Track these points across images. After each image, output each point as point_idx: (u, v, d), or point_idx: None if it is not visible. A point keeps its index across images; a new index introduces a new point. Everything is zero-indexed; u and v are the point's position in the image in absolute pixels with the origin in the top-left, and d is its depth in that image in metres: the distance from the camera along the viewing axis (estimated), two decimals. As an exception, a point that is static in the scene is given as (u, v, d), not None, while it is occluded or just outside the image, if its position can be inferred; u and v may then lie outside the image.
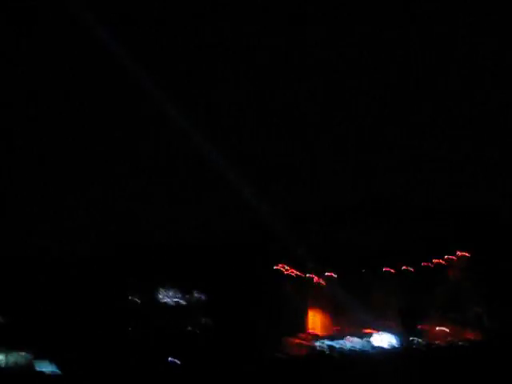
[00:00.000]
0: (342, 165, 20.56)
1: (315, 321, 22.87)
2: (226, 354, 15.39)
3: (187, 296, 19.35)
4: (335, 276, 22.41)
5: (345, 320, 20.42)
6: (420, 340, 18.42)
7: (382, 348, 17.57)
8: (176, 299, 19.62)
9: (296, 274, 22.06)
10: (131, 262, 18.69)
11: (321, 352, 18.40)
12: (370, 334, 19.58)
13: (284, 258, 21.04)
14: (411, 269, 23.36)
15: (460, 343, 17.19)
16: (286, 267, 21.36)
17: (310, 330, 23.09)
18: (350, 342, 18.27)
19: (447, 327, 20.33)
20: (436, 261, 23.04)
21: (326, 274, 22.18)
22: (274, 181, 19.77)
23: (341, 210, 21.85)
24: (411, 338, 18.91)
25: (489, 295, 20.83)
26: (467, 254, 23.46)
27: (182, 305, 19.45)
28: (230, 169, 17.55)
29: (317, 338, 20.77)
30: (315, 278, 22.44)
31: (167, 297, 18.88)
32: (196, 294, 19.29)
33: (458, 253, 22.46)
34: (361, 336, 19.51)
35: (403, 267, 22.84)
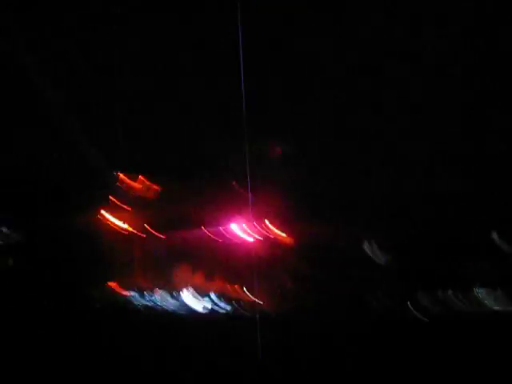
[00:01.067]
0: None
1: (133, 272, 22.50)
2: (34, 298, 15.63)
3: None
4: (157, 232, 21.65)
5: (160, 275, 20.12)
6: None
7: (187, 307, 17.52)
8: None
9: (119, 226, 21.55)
10: None
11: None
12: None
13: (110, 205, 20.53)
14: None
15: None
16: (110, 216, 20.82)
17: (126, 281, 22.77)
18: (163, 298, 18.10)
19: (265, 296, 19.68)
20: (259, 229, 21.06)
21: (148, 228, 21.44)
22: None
23: None
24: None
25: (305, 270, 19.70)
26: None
27: None
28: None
29: (130, 289, 20.70)
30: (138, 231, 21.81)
31: None
32: (12, 234, 19.72)
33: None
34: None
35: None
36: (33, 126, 15.29)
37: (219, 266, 18.15)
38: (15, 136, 15.54)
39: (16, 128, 15.39)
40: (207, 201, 16.26)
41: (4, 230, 18.55)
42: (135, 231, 18.46)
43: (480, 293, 11.92)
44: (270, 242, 15.38)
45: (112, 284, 18.55)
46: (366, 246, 13.15)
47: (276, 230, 15.66)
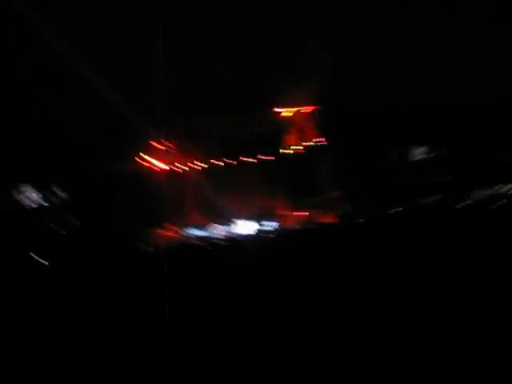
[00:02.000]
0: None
1: (182, 210, 23.34)
2: (92, 254, 16.43)
3: (48, 194, 20.58)
4: (199, 167, 22.30)
5: (209, 209, 20.75)
6: (275, 224, 19.42)
7: (240, 235, 18.23)
8: (36, 198, 21.14)
9: (160, 167, 22.34)
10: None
11: (187, 243, 19.18)
12: (232, 222, 20.28)
13: (148, 148, 21.19)
14: (271, 157, 22.59)
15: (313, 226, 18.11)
16: (150, 159, 21.57)
17: (177, 220, 23.72)
18: (216, 230, 18.92)
19: (305, 211, 20.57)
20: (295, 149, 21.66)
21: (190, 164, 22.27)
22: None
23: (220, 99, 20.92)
24: (267, 223, 19.73)
25: (346, 180, 20.67)
26: (324, 142, 22.35)
27: (45, 204, 20.85)
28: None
29: (182, 227, 21.48)
30: (180, 169, 22.63)
31: (27, 196, 20.15)
32: (58, 193, 20.14)
33: (316, 140, 21.34)
34: (223, 223, 20.14)
35: (263, 156, 22.20)
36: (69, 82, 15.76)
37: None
38: (44, 95, 16.08)
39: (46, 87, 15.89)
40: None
41: (53, 188, 19.45)
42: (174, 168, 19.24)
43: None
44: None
45: (164, 224, 19.41)
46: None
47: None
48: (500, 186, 15.84)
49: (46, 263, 14.24)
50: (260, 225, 18.20)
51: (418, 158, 18.52)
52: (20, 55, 14.55)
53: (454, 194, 15.07)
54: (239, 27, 15.03)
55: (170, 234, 19.42)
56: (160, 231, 19.16)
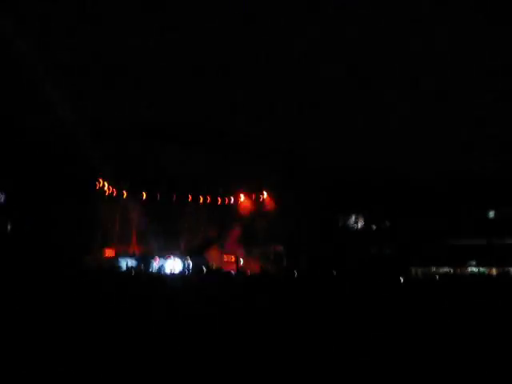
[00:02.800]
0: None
1: (122, 240, 22.99)
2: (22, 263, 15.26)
3: None
4: (146, 198, 22.01)
5: (151, 243, 20.53)
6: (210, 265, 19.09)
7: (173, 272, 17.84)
8: None
9: (109, 192, 21.94)
10: None
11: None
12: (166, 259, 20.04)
13: (98, 172, 20.72)
14: (219, 201, 22.65)
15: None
16: (102, 182, 21.18)
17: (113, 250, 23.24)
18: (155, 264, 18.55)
19: (250, 260, 20.38)
20: (246, 195, 21.79)
21: (139, 195, 21.91)
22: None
23: (157, 130, 20.49)
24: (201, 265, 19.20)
25: (291, 235, 20.64)
26: (268, 196, 22.58)
27: None
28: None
29: (120, 257, 21.16)
30: (127, 198, 22.26)
31: None
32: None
33: (264, 192, 21.59)
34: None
35: (214, 197, 22.23)
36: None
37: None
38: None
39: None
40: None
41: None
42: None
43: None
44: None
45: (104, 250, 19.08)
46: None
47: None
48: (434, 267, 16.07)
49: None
50: (189, 264, 18.14)
51: (362, 227, 18.72)
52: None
53: (391, 267, 15.21)
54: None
55: (100, 261, 19.16)
56: (93, 258, 18.81)
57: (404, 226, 16.42)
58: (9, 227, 17.49)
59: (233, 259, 19.45)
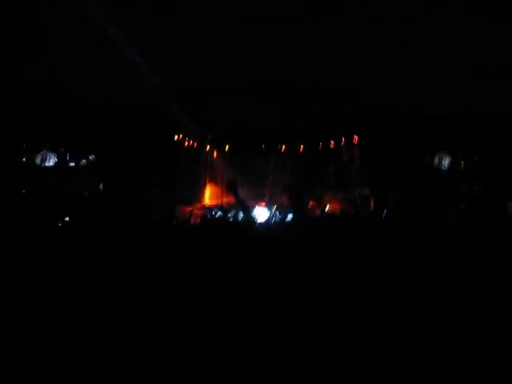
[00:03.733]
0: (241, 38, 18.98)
1: (211, 193, 23.94)
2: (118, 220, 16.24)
3: (79, 160, 21.08)
4: (232, 151, 22.55)
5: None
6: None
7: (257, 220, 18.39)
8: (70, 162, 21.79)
9: (193, 146, 22.76)
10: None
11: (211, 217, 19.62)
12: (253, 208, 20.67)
13: (182, 129, 21.65)
14: (306, 149, 22.82)
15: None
16: (185, 138, 22.02)
17: (205, 202, 24.40)
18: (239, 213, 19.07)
19: (335, 205, 20.85)
20: (327, 143, 21.70)
21: (224, 148, 22.63)
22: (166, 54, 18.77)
23: (240, 88, 20.92)
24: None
25: (373, 179, 20.85)
26: (356, 139, 22.51)
27: (81, 167, 21.37)
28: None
29: (209, 207, 22.11)
30: (213, 152, 23.01)
31: (54, 160, 20.59)
32: (89, 158, 20.57)
33: (352, 136, 21.44)
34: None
35: (300, 147, 22.41)
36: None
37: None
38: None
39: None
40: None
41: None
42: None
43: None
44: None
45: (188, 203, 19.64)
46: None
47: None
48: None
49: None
50: (276, 212, 18.31)
51: (447, 166, 18.31)
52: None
53: (481, 206, 14.88)
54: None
55: (194, 211, 19.69)
56: (186, 208, 19.38)
57: (494, 161, 15.88)
58: (101, 186, 18.08)
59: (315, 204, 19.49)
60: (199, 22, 13.27)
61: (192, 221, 16.30)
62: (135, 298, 4.80)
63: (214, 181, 20.81)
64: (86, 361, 3.96)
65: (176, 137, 19.10)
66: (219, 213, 18.29)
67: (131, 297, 4.81)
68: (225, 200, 20.18)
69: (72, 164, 18.89)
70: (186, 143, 19.27)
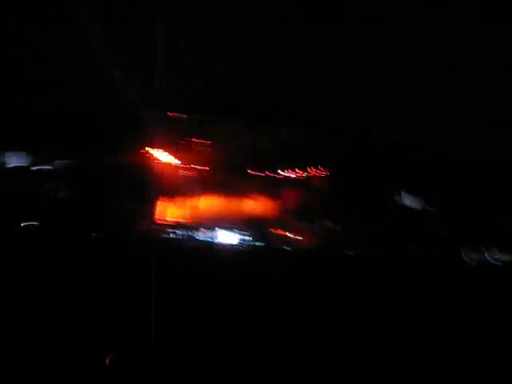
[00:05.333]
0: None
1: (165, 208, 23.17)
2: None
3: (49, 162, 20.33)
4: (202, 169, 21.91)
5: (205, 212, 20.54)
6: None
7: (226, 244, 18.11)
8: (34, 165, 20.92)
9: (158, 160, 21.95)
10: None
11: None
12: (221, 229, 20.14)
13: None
14: (275, 175, 22.38)
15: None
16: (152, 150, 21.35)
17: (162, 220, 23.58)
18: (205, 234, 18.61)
19: (298, 235, 20.51)
20: (298, 172, 21.42)
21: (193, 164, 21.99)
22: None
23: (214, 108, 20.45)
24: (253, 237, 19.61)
25: (336, 213, 20.65)
26: (323, 173, 22.29)
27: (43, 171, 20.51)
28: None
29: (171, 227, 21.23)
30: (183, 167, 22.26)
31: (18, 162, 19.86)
32: (57, 161, 19.77)
33: (319, 168, 21.18)
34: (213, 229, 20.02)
35: (268, 172, 22.02)
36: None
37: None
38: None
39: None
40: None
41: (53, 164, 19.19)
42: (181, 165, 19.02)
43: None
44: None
45: (156, 218, 19.18)
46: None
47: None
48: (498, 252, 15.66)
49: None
50: (248, 237, 18.09)
51: (419, 207, 18.34)
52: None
53: (447, 251, 14.89)
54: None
55: (161, 232, 19.14)
56: (152, 229, 18.85)
57: (463, 211, 15.98)
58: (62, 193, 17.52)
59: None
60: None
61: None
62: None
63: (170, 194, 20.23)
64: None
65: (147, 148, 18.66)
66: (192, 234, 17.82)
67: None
68: (189, 217, 19.69)
69: (46, 166, 18.38)
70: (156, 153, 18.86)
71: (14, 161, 17.98)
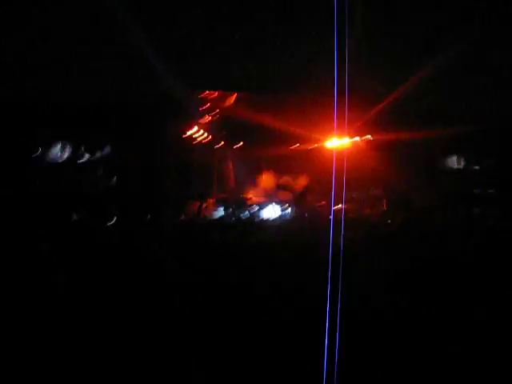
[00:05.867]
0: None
1: (224, 189, 23.58)
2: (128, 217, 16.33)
3: (90, 152, 20.70)
4: (244, 147, 22.11)
5: (249, 190, 20.83)
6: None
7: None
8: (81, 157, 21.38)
9: (207, 142, 22.28)
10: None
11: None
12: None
13: (196, 124, 21.26)
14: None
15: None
16: (198, 133, 21.53)
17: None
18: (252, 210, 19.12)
19: (349, 206, 20.50)
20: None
21: (236, 145, 22.33)
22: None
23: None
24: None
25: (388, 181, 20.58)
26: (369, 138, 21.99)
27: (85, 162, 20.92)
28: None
29: (222, 203, 21.70)
30: (226, 147, 22.54)
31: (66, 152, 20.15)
32: (100, 151, 20.09)
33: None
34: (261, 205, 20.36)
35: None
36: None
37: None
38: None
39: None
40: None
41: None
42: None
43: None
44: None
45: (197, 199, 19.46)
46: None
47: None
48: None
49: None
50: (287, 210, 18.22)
51: (462, 167, 18.08)
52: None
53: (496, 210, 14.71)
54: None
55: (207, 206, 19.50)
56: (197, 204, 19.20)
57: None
58: (114, 180, 17.89)
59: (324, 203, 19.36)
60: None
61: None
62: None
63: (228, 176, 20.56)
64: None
65: (190, 131, 18.84)
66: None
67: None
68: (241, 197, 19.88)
69: (86, 156, 18.65)
70: (199, 137, 19.03)
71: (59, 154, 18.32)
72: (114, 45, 14.79)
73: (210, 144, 20.20)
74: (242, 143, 20.47)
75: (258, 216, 19.80)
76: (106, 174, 18.67)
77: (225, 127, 19.72)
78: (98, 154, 18.78)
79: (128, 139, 18.49)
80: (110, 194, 17.25)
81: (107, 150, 18.94)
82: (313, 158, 20.57)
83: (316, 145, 20.06)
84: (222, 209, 18.94)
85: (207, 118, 18.40)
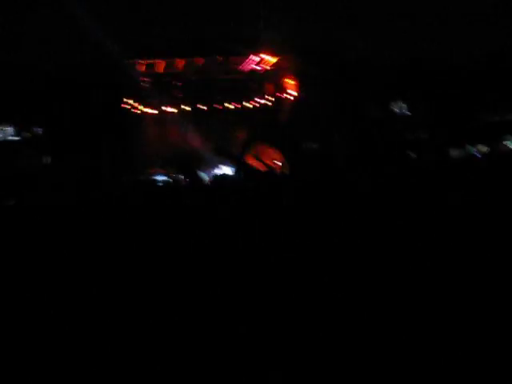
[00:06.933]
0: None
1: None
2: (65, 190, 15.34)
3: (25, 132, 19.86)
4: (186, 111, 21.56)
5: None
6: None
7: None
8: (13, 137, 20.39)
9: (144, 111, 21.47)
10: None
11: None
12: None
13: (135, 94, 20.41)
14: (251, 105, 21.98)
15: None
16: (135, 104, 20.67)
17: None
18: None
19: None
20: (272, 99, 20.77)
21: (177, 110, 21.57)
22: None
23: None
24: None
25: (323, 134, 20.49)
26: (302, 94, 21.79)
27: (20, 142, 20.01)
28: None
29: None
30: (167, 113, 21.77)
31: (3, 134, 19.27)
32: (35, 130, 19.33)
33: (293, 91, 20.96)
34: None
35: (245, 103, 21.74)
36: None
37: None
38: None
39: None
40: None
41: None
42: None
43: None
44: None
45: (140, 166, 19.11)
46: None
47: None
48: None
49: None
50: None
51: (399, 113, 18.17)
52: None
53: (434, 151, 14.92)
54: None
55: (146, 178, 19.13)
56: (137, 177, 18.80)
57: (438, 110, 15.92)
58: (48, 159, 17.46)
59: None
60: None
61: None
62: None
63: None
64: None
65: (129, 101, 18.32)
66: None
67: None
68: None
69: (15, 138, 18.16)
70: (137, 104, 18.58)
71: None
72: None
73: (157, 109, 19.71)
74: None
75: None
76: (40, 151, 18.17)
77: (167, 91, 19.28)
78: (28, 135, 18.22)
79: (63, 114, 17.99)
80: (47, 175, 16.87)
81: (38, 129, 18.36)
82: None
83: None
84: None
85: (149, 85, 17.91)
